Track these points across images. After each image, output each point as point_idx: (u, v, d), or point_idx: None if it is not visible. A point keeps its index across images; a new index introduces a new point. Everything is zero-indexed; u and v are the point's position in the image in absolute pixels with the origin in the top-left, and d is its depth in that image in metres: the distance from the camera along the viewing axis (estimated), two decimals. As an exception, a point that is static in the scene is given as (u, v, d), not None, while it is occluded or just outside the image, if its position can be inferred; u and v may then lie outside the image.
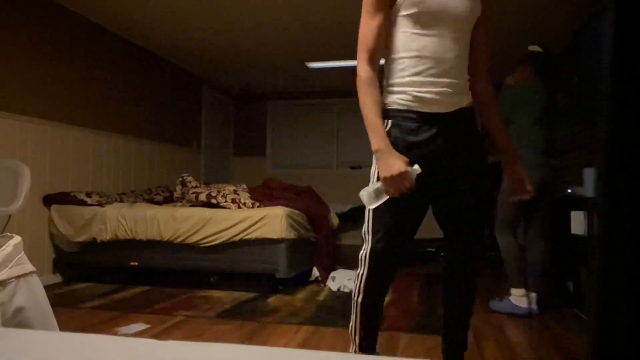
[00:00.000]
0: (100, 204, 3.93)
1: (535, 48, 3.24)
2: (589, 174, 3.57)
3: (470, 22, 1.56)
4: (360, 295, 1.64)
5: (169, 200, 4.64)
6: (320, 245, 4.06)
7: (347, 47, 5.11)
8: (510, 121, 3.08)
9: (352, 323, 1.69)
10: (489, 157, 1.77)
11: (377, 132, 1.47)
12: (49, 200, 3.87)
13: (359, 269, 1.64)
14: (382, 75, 1.58)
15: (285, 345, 2.38)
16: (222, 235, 3.60)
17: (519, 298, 3.01)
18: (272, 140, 7.47)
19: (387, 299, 3.41)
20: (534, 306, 2.99)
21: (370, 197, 1.47)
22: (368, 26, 1.51)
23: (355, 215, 6.10)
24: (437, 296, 3.56)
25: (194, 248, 3.67)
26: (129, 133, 4.94)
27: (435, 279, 4.25)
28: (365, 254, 1.60)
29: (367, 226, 1.60)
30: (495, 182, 2.50)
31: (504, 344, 2.45)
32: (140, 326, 2.69)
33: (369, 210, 1.57)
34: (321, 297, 3.47)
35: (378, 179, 1.48)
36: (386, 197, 1.46)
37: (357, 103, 1.53)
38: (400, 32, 1.52)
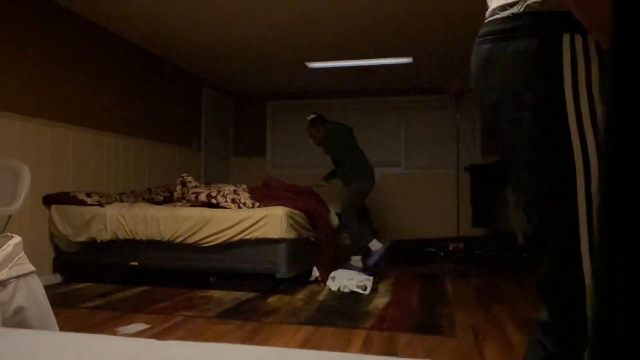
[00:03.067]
0: (100, 204, 3.93)
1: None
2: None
3: None
4: None
5: (169, 200, 4.64)
6: (320, 245, 4.06)
7: (347, 47, 5.11)
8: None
9: None
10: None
11: None
12: (49, 200, 3.87)
13: None
14: None
15: (285, 345, 2.38)
16: (222, 235, 3.60)
17: (357, 261, 4.60)
18: (272, 140, 7.46)
19: (387, 299, 3.43)
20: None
21: None
22: None
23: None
24: (437, 296, 3.56)
25: (194, 248, 3.67)
26: (129, 133, 4.94)
27: (435, 279, 4.25)
28: None
29: None
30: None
31: (504, 344, 2.45)
32: (140, 326, 2.69)
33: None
34: (321, 297, 3.47)
35: None
36: None
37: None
38: None
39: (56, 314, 1.19)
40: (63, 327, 1.21)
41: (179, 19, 4.36)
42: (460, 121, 5.74)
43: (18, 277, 1.07)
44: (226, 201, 3.86)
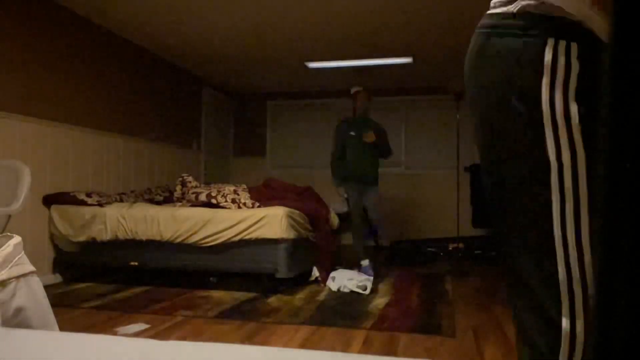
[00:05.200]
0: (100, 204, 3.93)
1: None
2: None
3: None
4: None
5: (169, 200, 4.64)
6: (320, 245, 4.06)
7: (347, 47, 5.11)
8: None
9: None
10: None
11: None
12: (49, 200, 3.87)
13: None
14: None
15: (285, 345, 2.38)
16: (222, 235, 3.59)
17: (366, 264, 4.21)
18: (272, 140, 7.47)
19: (387, 299, 3.43)
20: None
21: None
22: None
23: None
24: (437, 296, 3.56)
25: (194, 248, 3.67)
26: (128, 133, 4.94)
27: (435, 279, 4.25)
28: None
29: None
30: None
31: (504, 344, 2.45)
32: (140, 326, 2.69)
33: None
34: (321, 297, 3.47)
35: None
36: None
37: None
38: None
39: (56, 314, 1.19)
40: (63, 327, 1.21)
41: (179, 19, 4.36)
42: (460, 121, 5.74)
43: (18, 277, 1.07)
44: (226, 201, 3.86)
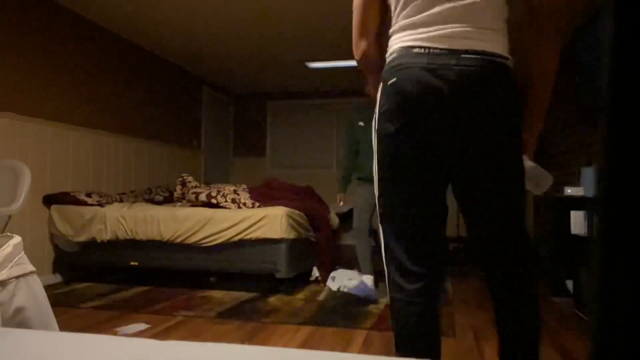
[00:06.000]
0: (100, 204, 3.93)
1: None
2: (589, 174, 3.57)
3: None
4: None
5: (169, 200, 4.64)
6: (320, 245, 4.06)
7: (347, 47, 5.10)
8: None
9: None
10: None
11: None
12: (49, 200, 3.87)
13: None
14: None
15: (285, 345, 2.38)
16: (222, 235, 3.60)
17: (369, 279, 3.62)
18: (272, 140, 7.47)
19: (387, 299, 3.41)
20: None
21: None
22: None
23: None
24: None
25: (194, 248, 3.67)
26: (129, 133, 4.94)
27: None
28: None
29: None
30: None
31: (504, 344, 2.45)
32: (140, 326, 2.69)
33: None
34: (321, 297, 3.47)
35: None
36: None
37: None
38: None
39: (56, 314, 1.19)
40: (63, 327, 1.21)
41: (179, 19, 4.36)
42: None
43: (18, 277, 1.07)
44: (226, 201, 3.86)
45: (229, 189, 4.05)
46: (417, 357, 1.24)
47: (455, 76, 1.16)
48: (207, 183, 5.77)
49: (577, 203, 3.46)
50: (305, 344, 2.41)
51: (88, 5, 4.07)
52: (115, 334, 2.54)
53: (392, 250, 1.32)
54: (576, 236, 3.41)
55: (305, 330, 2.66)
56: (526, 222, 1.34)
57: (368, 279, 3.62)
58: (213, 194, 3.93)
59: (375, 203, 1.39)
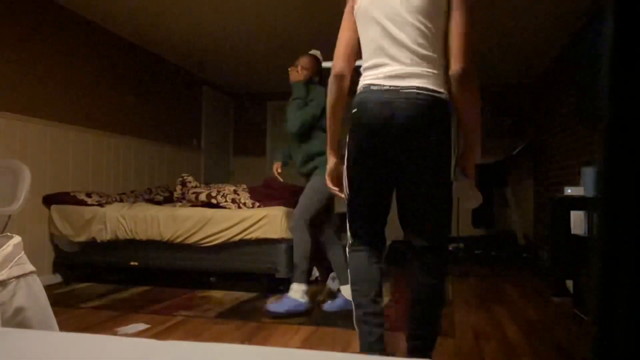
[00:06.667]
0: (100, 204, 3.93)
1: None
2: (589, 174, 3.57)
3: None
4: None
5: (169, 200, 4.64)
6: (321, 245, 4.05)
7: (347, 47, 5.11)
8: None
9: None
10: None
11: None
12: (49, 200, 3.87)
13: None
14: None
15: (285, 345, 2.38)
16: (222, 235, 3.60)
17: (300, 292, 2.92)
18: (272, 140, 7.46)
19: (386, 299, 3.43)
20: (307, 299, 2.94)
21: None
22: None
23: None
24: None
25: (194, 248, 3.67)
26: (129, 133, 4.94)
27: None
28: None
29: None
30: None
31: (504, 344, 2.45)
32: (140, 326, 2.69)
33: None
34: (321, 297, 3.47)
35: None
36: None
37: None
38: None
39: (56, 314, 1.19)
40: (63, 327, 1.21)
41: (179, 18, 4.36)
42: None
43: (18, 277, 1.07)
44: (226, 201, 3.86)
45: (229, 189, 4.05)
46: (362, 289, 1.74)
47: (399, 108, 1.56)
48: (207, 183, 5.77)
49: (577, 203, 3.46)
50: (305, 344, 2.41)
51: (88, 5, 4.07)
52: (115, 334, 2.54)
53: (351, 222, 1.81)
54: (576, 236, 3.41)
55: (305, 330, 2.66)
56: (447, 235, 1.73)
57: (347, 290, 3.06)
58: (213, 194, 3.93)
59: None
